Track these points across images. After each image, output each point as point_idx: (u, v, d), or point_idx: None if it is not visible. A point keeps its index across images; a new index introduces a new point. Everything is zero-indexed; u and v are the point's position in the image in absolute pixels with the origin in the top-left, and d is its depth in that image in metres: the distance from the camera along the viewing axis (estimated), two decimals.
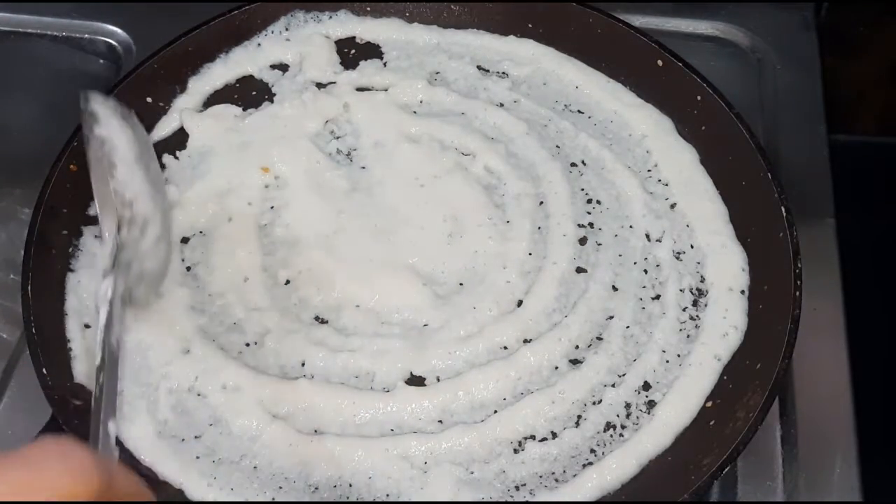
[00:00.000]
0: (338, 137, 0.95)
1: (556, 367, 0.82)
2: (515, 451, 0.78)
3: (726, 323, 0.83)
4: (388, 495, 0.76)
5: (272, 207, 0.91)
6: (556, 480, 0.77)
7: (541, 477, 0.77)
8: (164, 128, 0.95)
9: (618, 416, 0.80)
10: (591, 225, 0.90)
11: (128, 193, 0.77)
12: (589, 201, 0.91)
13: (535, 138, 0.94)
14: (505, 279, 0.86)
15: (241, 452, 0.78)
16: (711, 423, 0.79)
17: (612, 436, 0.79)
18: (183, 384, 0.81)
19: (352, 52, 1.01)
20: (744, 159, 0.89)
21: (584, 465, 0.78)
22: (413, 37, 1.01)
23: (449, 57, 1.00)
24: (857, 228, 0.98)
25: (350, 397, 0.80)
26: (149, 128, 0.95)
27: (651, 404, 0.80)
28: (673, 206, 0.91)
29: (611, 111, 0.96)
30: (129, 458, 0.77)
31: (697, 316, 0.84)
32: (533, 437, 0.79)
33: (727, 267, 0.86)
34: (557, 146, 0.94)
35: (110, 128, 0.80)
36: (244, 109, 0.97)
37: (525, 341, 0.83)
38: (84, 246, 0.87)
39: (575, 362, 0.82)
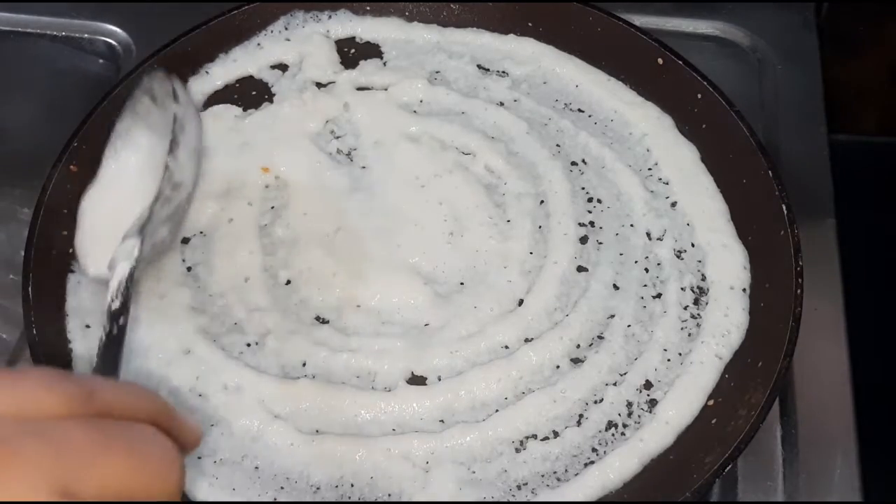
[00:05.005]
0: (338, 137, 0.95)
1: (558, 366, 0.82)
2: (517, 450, 0.78)
3: (727, 321, 0.83)
4: (389, 495, 0.76)
5: (272, 207, 0.91)
6: (558, 479, 0.77)
7: (542, 476, 0.77)
8: None
9: (619, 414, 0.80)
10: (591, 224, 0.90)
11: (177, 175, 0.79)
12: (590, 200, 0.91)
13: (536, 137, 0.94)
14: (506, 278, 0.86)
15: (242, 453, 0.78)
16: (713, 421, 0.79)
17: (613, 434, 0.79)
18: (183, 384, 0.80)
19: (352, 52, 1.01)
20: (744, 157, 0.89)
21: (585, 464, 0.77)
22: (413, 36, 1.01)
23: (449, 56, 1.00)
24: (857, 228, 0.98)
25: (351, 397, 0.80)
26: None
27: (653, 403, 0.80)
28: (674, 204, 0.91)
29: (611, 110, 0.96)
30: None
31: (699, 314, 0.84)
32: (535, 437, 0.79)
33: (728, 265, 0.86)
34: (558, 145, 0.94)
35: (186, 111, 0.82)
36: (244, 109, 0.96)
37: (526, 340, 0.83)
38: None
39: (576, 361, 0.82)
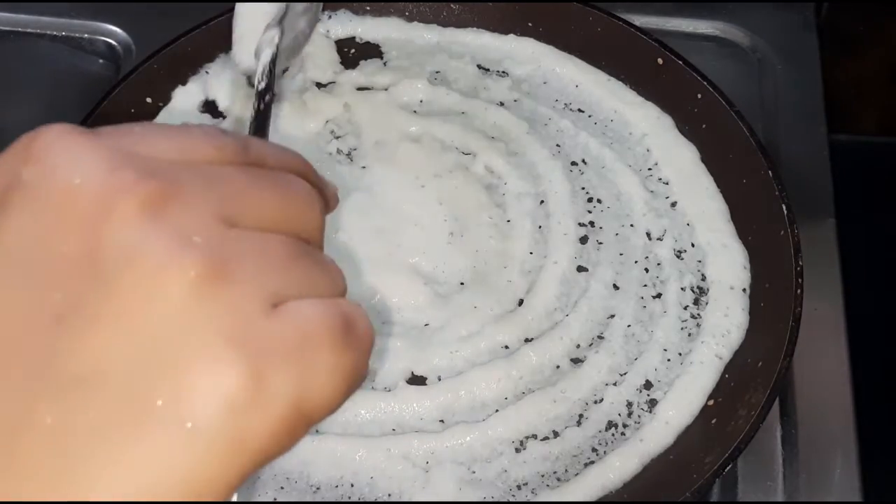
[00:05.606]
0: (338, 137, 0.95)
1: (558, 366, 0.82)
2: (517, 450, 0.78)
3: (728, 321, 0.83)
4: (389, 495, 0.76)
5: None
6: (559, 479, 0.77)
7: (543, 476, 0.77)
8: None
9: (619, 414, 0.80)
10: (591, 224, 0.90)
11: None
12: (590, 200, 0.91)
13: (536, 137, 0.94)
14: (506, 278, 0.86)
15: None
16: (713, 421, 0.79)
17: (613, 434, 0.79)
18: None
19: (352, 52, 1.01)
20: (744, 157, 0.89)
21: (585, 464, 0.77)
22: (413, 36, 1.01)
23: (449, 56, 1.00)
24: (857, 228, 0.98)
25: (351, 397, 0.79)
26: None
27: (653, 403, 0.80)
28: (673, 204, 0.91)
29: (611, 110, 0.96)
30: None
31: (699, 314, 0.84)
32: (535, 437, 0.79)
33: (728, 265, 0.86)
34: (558, 145, 0.94)
35: None
36: None
37: (526, 340, 0.83)
38: None
39: (576, 361, 0.82)
